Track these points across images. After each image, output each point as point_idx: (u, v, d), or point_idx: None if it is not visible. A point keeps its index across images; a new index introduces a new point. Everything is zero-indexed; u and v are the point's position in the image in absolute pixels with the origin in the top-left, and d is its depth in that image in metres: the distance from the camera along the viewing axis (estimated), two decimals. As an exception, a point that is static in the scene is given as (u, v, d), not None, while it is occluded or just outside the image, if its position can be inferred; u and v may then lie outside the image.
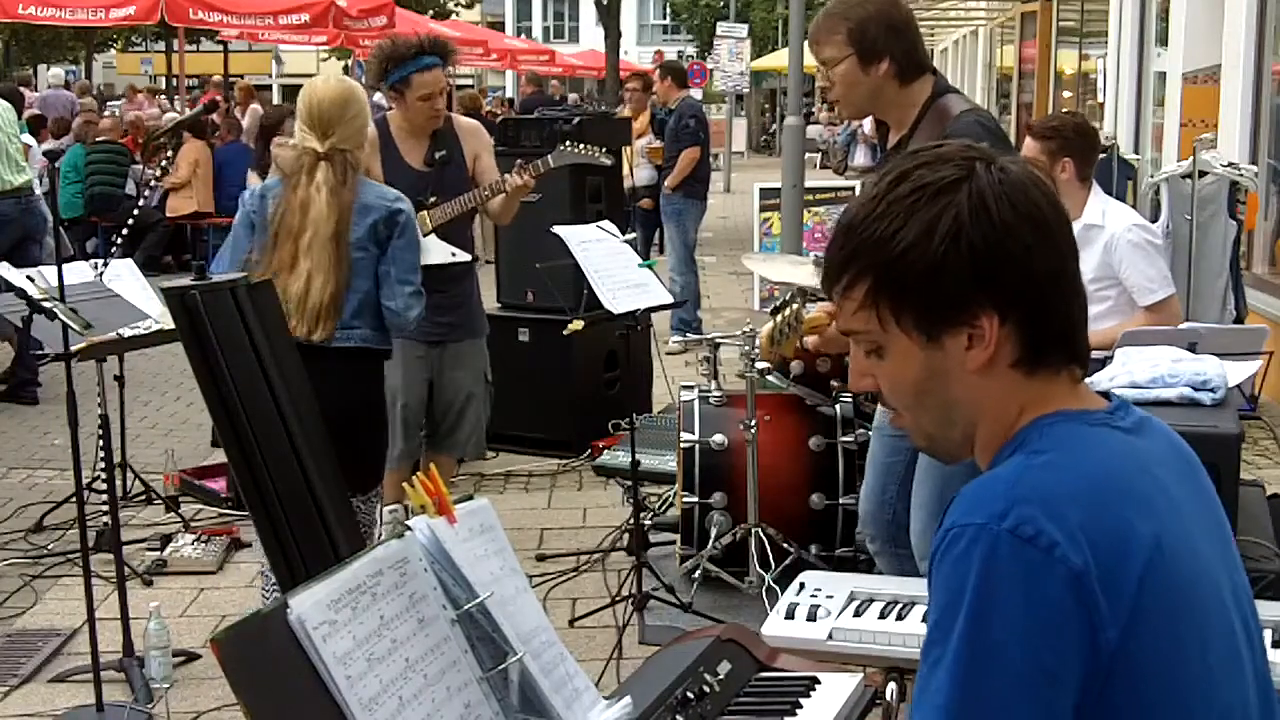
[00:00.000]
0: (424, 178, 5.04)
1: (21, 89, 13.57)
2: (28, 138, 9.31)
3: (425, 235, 4.99)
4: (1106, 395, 1.51)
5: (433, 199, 5.00)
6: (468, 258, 5.03)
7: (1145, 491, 1.38)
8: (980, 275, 1.39)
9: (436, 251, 5.00)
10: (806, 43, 3.55)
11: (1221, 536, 1.48)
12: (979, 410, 1.45)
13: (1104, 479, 1.36)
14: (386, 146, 5.09)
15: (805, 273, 4.50)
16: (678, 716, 1.90)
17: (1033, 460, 1.38)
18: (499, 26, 48.76)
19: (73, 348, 4.13)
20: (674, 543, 4.99)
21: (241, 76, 24.07)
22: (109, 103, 19.64)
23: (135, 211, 7.95)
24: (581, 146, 5.06)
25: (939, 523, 1.38)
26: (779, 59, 30.76)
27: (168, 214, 12.87)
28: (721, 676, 2.04)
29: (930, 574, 1.37)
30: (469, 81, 30.97)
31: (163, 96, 17.71)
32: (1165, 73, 10.60)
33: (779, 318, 3.58)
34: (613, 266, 4.66)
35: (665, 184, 9.81)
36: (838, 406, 4.76)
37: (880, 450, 3.61)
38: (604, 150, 5.14)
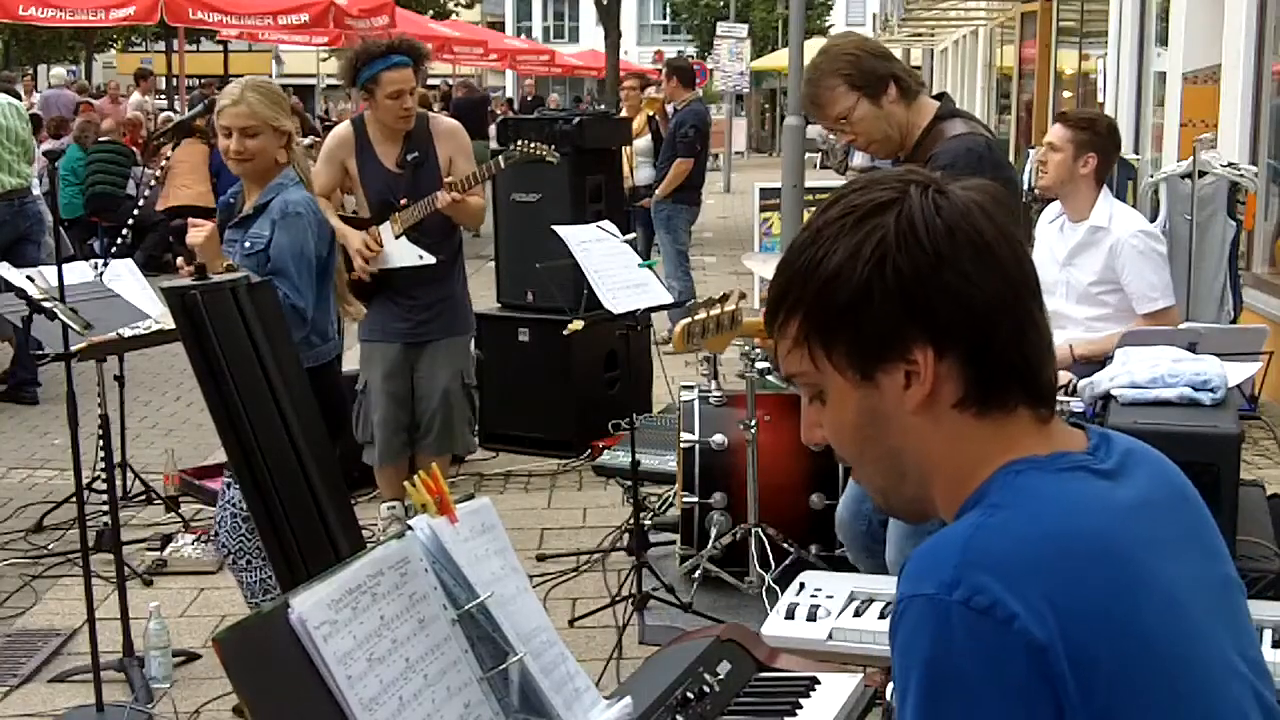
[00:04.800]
0: (397, 179, 5.07)
1: (17, 89, 13.54)
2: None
3: (396, 238, 5.03)
4: (1084, 429, 1.38)
5: (403, 201, 5.02)
6: (432, 260, 5.04)
7: (1123, 551, 1.25)
8: (910, 305, 1.27)
9: (405, 255, 5.03)
10: (809, 108, 3.60)
11: (1221, 585, 1.36)
12: (928, 459, 1.33)
13: (1072, 539, 1.23)
14: (363, 147, 5.13)
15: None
16: (678, 716, 1.90)
17: (988, 518, 1.25)
18: (499, 26, 48.79)
19: (73, 348, 4.13)
20: (674, 543, 4.99)
21: (241, 77, 24.04)
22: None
23: (135, 211, 7.95)
24: (533, 146, 5.10)
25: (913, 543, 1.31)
26: (779, 59, 30.76)
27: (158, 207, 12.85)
28: (721, 676, 2.04)
29: (890, 638, 1.26)
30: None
31: (139, 94, 17.65)
32: (1165, 73, 10.60)
33: (703, 314, 3.63)
34: (613, 266, 4.66)
35: (655, 193, 9.75)
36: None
37: None
38: (551, 149, 5.17)
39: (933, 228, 1.28)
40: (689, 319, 3.71)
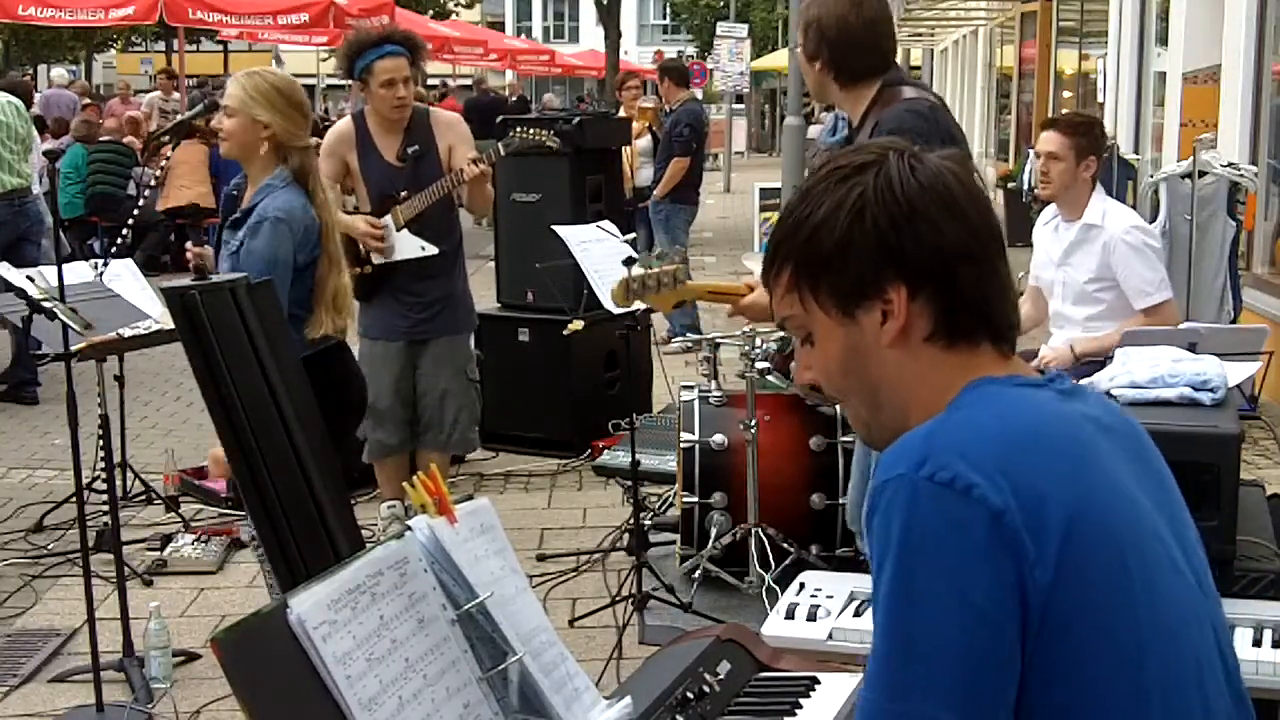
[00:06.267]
0: (399, 172, 5.07)
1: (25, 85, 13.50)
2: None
3: (398, 231, 5.04)
4: (1044, 372, 1.55)
5: (404, 193, 5.02)
6: (435, 251, 5.04)
7: (1071, 442, 1.41)
8: (886, 249, 1.44)
9: (407, 247, 5.04)
10: None
11: (1168, 498, 1.50)
12: (904, 389, 1.49)
13: (1023, 428, 1.40)
14: (363, 141, 5.13)
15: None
16: (678, 716, 1.89)
17: (952, 415, 1.43)
18: (499, 26, 48.80)
19: (73, 348, 4.13)
20: (674, 543, 4.99)
21: (241, 77, 24.03)
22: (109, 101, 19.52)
23: (135, 211, 7.94)
24: (531, 132, 5.10)
25: None
26: (779, 59, 30.75)
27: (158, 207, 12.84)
28: (721, 676, 2.03)
29: (866, 528, 1.40)
30: (468, 82, 31.03)
31: (159, 93, 17.61)
32: (1165, 73, 10.59)
33: (641, 270, 3.66)
34: (613, 266, 4.66)
35: (654, 193, 9.76)
36: (838, 406, 4.76)
37: (863, 445, 3.65)
38: (550, 134, 5.16)
39: (907, 185, 1.45)
40: (627, 275, 3.73)
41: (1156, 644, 1.37)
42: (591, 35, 48.34)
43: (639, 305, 4.04)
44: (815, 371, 1.54)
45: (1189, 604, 1.43)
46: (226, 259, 3.86)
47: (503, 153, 5.11)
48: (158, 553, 5.19)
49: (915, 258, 1.44)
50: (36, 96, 17.68)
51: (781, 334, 4.77)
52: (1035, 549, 1.31)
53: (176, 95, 16.41)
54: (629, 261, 3.77)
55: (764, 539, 4.58)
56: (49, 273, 4.27)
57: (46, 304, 4.14)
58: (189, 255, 3.97)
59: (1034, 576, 1.31)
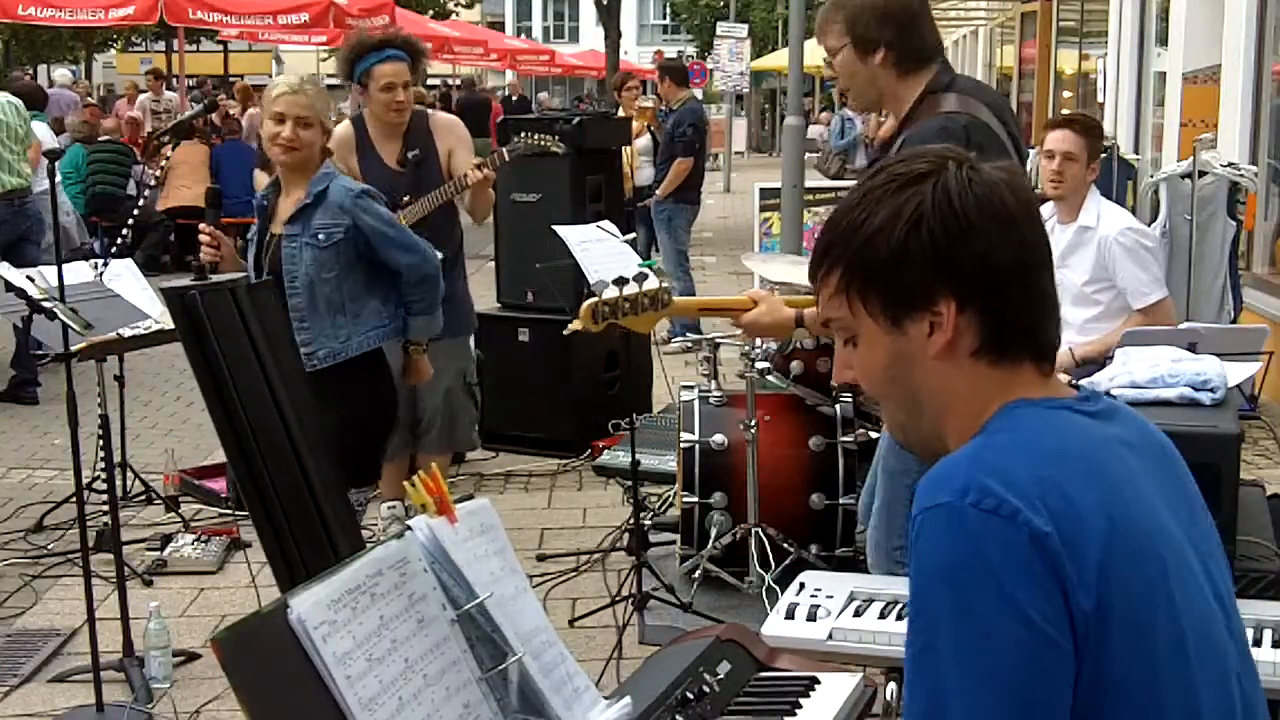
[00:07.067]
0: (399, 177, 5.07)
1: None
2: (43, 131, 9.24)
3: None
4: (1077, 386, 1.56)
5: (406, 198, 5.03)
6: (439, 256, 5.05)
7: (1104, 467, 1.42)
8: (940, 262, 1.44)
9: None
10: (814, 36, 3.51)
11: (1194, 519, 1.51)
12: (944, 399, 1.49)
13: (1060, 453, 1.40)
14: (363, 145, 5.13)
15: (805, 272, 4.51)
16: (678, 716, 1.89)
17: (990, 439, 1.44)
18: (499, 26, 48.79)
19: (73, 348, 4.13)
20: (674, 543, 4.99)
21: (241, 76, 24.08)
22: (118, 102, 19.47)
23: (135, 211, 7.94)
24: (536, 137, 5.10)
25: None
26: (779, 59, 30.72)
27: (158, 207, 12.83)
28: (721, 676, 2.03)
29: (910, 553, 1.40)
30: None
31: (151, 94, 17.54)
32: (1165, 73, 10.59)
33: (615, 293, 3.56)
34: (613, 266, 4.66)
35: (656, 193, 9.76)
36: (838, 406, 4.76)
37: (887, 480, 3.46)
38: (555, 139, 5.17)
39: (964, 198, 1.44)
40: (595, 298, 3.64)
41: (1186, 666, 1.38)
42: (591, 35, 48.31)
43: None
44: (857, 372, 1.54)
45: (1213, 623, 1.44)
46: (316, 252, 4.02)
47: (507, 158, 5.11)
48: (158, 553, 5.18)
49: (968, 272, 1.44)
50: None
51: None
52: (1076, 574, 1.32)
53: (169, 95, 16.38)
54: (599, 285, 3.67)
55: (764, 539, 4.58)
56: (49, 273, 4.27)
57: (46, 304, 4.14)
58: (203, 236, 3.99)
59: (1077, 600, 1.32)
